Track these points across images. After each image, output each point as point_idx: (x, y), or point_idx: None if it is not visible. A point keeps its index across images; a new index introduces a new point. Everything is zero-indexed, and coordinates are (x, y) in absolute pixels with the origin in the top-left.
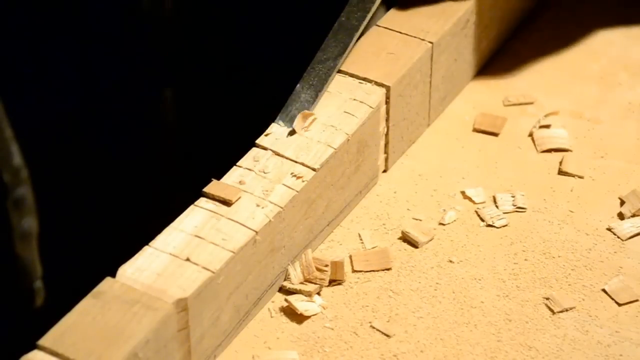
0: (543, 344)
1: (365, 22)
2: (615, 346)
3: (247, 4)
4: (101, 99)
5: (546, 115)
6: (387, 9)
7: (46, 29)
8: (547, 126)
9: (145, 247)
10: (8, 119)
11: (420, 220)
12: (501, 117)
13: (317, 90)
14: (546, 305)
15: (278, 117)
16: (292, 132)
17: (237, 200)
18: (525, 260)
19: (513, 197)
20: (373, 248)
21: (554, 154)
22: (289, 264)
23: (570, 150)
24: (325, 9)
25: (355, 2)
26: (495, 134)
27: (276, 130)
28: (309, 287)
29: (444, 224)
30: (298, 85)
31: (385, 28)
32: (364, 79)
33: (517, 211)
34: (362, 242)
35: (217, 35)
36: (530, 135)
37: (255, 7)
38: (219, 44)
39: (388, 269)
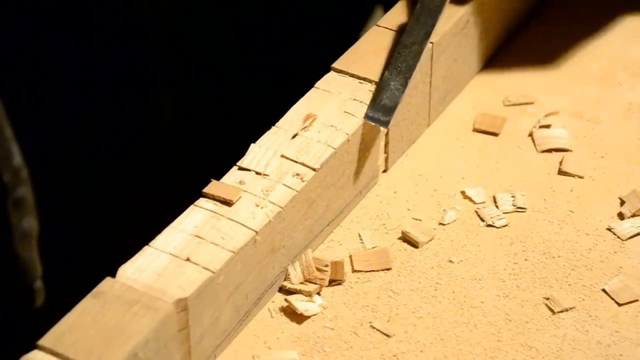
0: (543, 344)
1: (447, 2)
2: (615, 346)
3: (247, 4)
4: (101, 98)
5: (546, 115)
6: (386, 9)
7: (46, 29)
8: (547, 126)
9: (145, 247)
10: (8, 119)
11: (420, 220)
12: (501, 117)
13: (406, 76)
14: (546, 305)
15: (368, 109)
16: (294, 136)
17: (237, 200)
18: (525, 260)
19: (513, 197)
20: (373, 248)
21: (554, 154)
22: (289, 264)
23: (570, 151)
24: (324, 9)
25: None
26: (495, 134)
27: (276, 131)
28: (309, 287)
29: (444, 224)
30: (386, 73)
31: (385, 28)
32: (364, 79)
33: (517, 211)
34: (362, 242)
35: (217, 36)
36: (530, 135)
37: (255, 8)
38: (219, 44)
39: (388, 269)
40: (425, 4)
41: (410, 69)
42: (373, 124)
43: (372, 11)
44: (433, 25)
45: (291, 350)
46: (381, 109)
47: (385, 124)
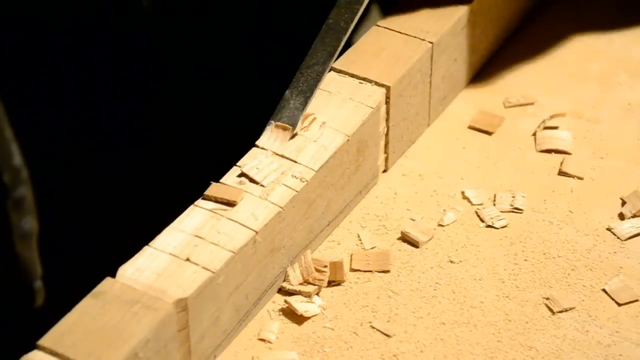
0: (543, 344)
1: (353, 24)
2: (615, 346)
3: (247, 4)
4: (101, 98)
5: (551, 117)
6: (383, 10)
7: (46, 28)
8: (553, 128)
9: (145, 247)
10: (8, 119)
11: (420, 220)
12: (499, 117)
13: (307, 95)
14: (546, 305)
15: (268, 124)
16: (294, 135)
17: (240, 201)
18: (525, 260)
19: (513, 197)
20: (372, 248)
21: (554, 154)
22: (288, 265)
23: (570, 154)
24: (323, 9)
25: (343, 4)
26: (489, 133)
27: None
28: (309, 288)
29: (443, 225)
30: (287, 92)
31: (385, 28)
32: (364, 79)
33: (517, 212)
34: (362, 243)
35: (217, 35)
36: (534, 134)
37: (255, 7)
38: (219, 44)
39: (387, 271)
40: (331, 25)
41: (311, 88)
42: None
43: (368, 11)
44: (337, 47)
45: (291, 350)
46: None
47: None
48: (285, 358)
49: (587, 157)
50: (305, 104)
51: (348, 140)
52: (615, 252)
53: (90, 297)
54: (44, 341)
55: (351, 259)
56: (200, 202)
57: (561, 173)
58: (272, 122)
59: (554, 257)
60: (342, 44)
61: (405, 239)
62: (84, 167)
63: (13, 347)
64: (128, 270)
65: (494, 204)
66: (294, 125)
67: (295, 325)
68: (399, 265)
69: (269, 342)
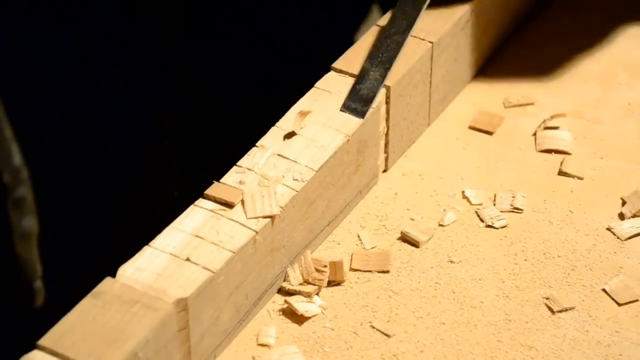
0: (543, 344)
1: None
2: (615, 346)
3: (248, 5)
4: (101, 98)
5: (551, 117)
6: (383, 9)
7: (47, 28)
8: (553, 128)
9: (145, 247)
10: (8, 119)
11: (420, 220)
12: (499, 116)
13: (386, 67)
14: (546, 305)
15: (346, 98)
16: (292, 134)
17: (238, 203)
18: (525, 260)
19: (513, 197)
20: (372, 248)
21: (554, 154)
22: (288, 265)
23: (570, 154)
24: (323, 10)
25: None
26: (489, 133)
27: (276, 131)
28: (308, 288)
29: (443, 225)
30: (366, 63)
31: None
32: None
33: (517, 212)
34: (362, 243)
35: (217, 35)
36: (534, 134)
37: (256, 8)
38: (219, 44)
39: (387, 271)
40: None
41: (391, 59)
42: (349, 114)
43: (369, 11)
44: (416, 16)
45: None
46: (359, 99)
47: (362, 114)
48: (287, 352)
49: (587, 157)
50: (385, 75)
51: (348, 140)
52: (615, 252)
53: (90, 297)
54: (44, 341)
55: (351, 259)
56: (200, 202)
57: (561, 173)
58: (348, 99)
59: (554, 257)
60: (422, 13)
61: (405, 239)
62: (84, 167)
63: (13, 347)
64: (128, 270)
65: (494, 204)
66: (373, 97)
67: (295, 325)
68: (399, 265)
69: (269, 346)
